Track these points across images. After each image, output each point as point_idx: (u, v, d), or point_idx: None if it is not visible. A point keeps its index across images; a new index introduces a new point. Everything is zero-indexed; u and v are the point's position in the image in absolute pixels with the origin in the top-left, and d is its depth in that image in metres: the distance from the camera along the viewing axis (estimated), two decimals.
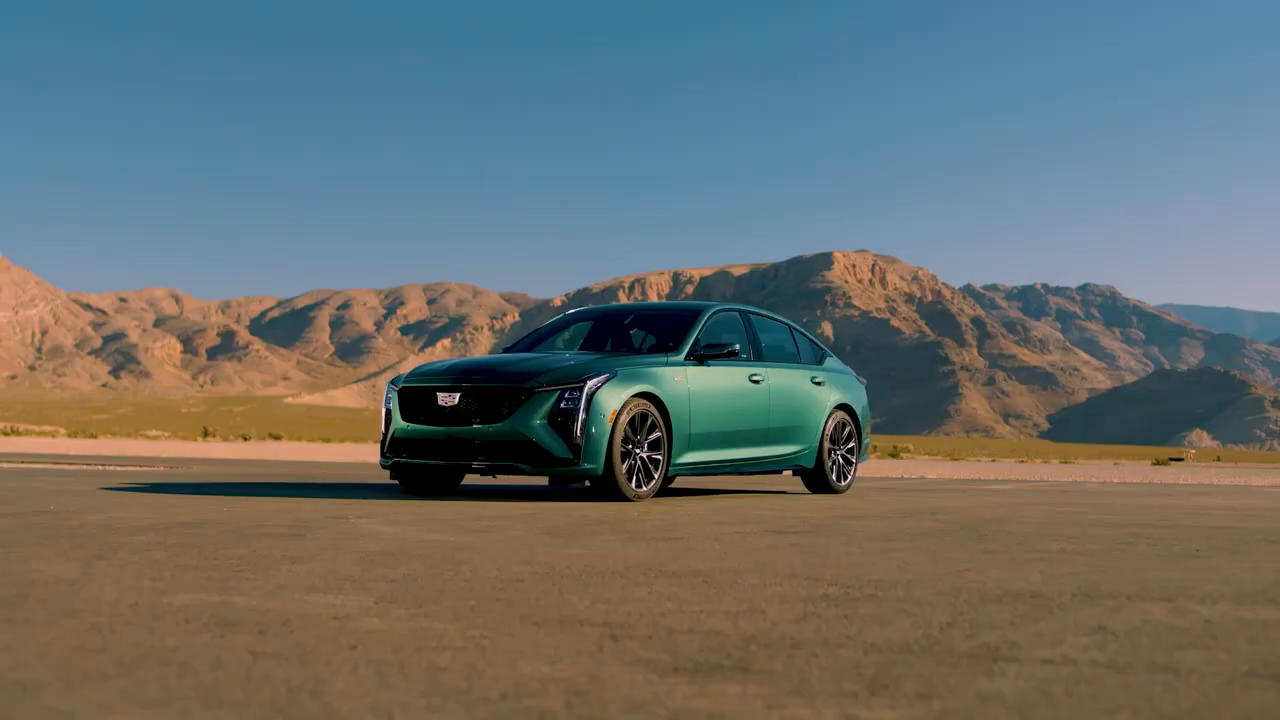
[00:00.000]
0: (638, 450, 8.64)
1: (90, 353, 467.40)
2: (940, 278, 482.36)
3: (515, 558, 4.55)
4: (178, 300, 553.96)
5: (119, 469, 14.81)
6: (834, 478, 10.84)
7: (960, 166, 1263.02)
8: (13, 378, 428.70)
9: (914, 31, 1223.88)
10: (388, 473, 10.24)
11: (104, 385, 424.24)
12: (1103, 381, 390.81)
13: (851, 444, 11.17)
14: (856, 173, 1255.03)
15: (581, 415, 8.30)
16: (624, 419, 8.48)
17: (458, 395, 8.56)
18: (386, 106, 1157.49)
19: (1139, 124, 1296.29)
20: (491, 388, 8.51)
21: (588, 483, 8.62)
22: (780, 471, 10.57)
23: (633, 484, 8.59)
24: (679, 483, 12.41)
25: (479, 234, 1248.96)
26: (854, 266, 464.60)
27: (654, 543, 5.31)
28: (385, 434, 9.05)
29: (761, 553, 4.93)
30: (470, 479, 11.94)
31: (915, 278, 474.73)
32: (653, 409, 8.76)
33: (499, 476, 11.64)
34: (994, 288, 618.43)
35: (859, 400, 11.43)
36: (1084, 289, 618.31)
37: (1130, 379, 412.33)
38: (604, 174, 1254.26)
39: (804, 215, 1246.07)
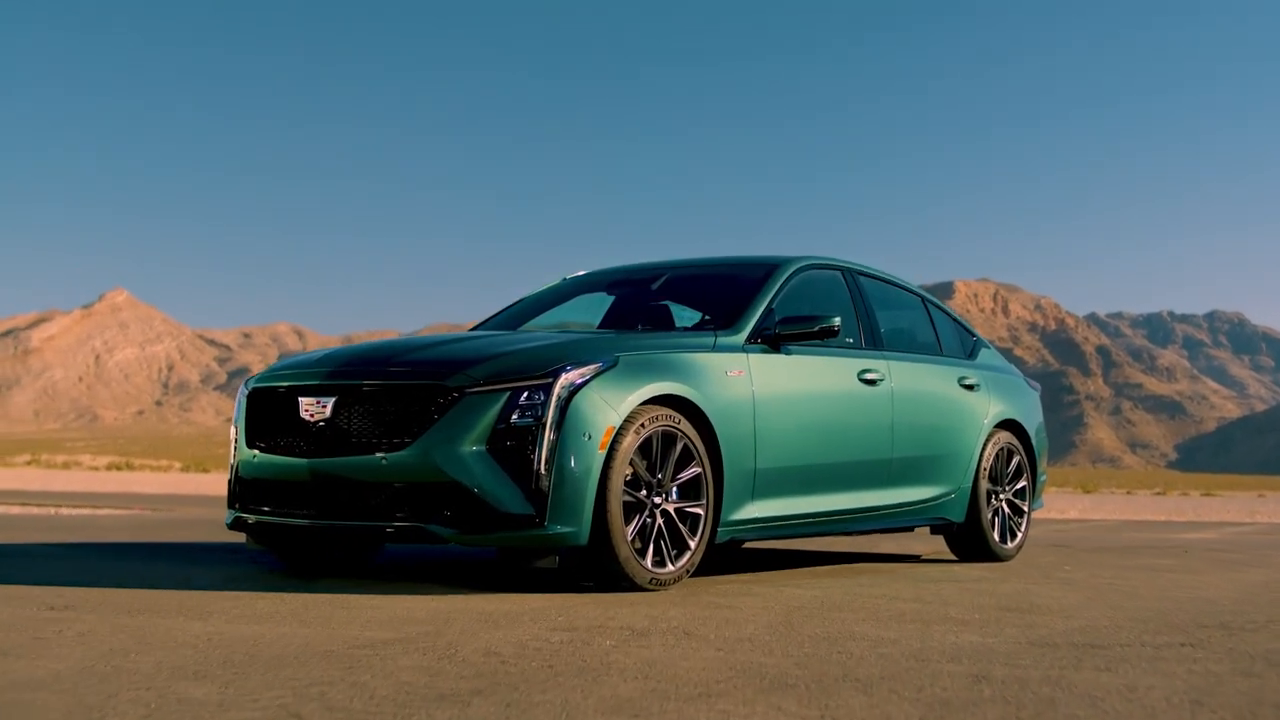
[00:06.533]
0: (657, 499, 4.73)
1: (215, 388, 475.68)
2: (1063, 306, 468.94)
3: None
4: (300, 335, 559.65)
5: (91, 511, 12.53)
6: (995, 536, 6.83)
7: (1083, 193, 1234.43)
8: (140, 413, 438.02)
9: (1035, 56, 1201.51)
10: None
11: (228, 420, 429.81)
12: (1232, 410, 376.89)
13: (1022, 483, 7.14)
14: (977, 200, 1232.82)
15: (549, 435, 4.44)
16: (629, 443, 4.59)
17: (332, 401, 4.71)
18: (511, 133, 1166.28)
19: (1265, 149, 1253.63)
20: (388, 388, 4.66)
21: (559, 557, 4.65)
22: (911, 528, 6.60)
23: (647, 560, 4.67)
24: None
25: (599, 260, 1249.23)
26: (975, 296, 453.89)
27: None
28: (232, 469, 5.31)
29: None
30: None
31: (1038, 306, 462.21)
32: (686, 426, 4.84)
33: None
34: (1119, 315, 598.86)
35: (1031, 415, 7.39)
36: (1211, 316, 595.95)
37: (1260, 407, 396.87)
38: (727, 198, 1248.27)
39: (924, 243, 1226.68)
